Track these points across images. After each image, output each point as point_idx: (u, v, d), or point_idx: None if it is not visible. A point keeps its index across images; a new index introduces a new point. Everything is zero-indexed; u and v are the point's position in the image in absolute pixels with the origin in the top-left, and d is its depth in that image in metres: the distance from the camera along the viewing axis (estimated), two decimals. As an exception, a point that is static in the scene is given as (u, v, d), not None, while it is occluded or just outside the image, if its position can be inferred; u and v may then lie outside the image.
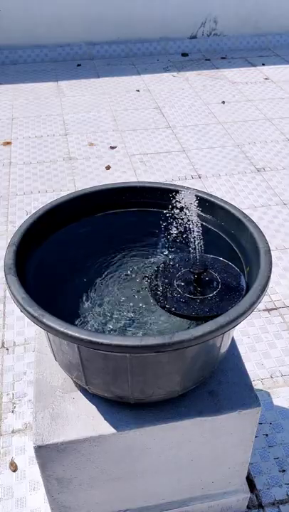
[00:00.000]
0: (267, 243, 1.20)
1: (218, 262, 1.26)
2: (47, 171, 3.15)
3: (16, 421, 1.77)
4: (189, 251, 1.22)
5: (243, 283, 1.19)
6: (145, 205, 1.41)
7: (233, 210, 1.31)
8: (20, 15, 4.55)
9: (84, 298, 1.24)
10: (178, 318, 1.16)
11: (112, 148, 3.40)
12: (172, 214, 1.22)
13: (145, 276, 1.29)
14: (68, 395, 1.24)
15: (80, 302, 1.23)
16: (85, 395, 1.24)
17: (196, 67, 4.69)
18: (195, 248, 1.18)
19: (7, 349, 2.02)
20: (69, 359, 1.13)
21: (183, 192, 1.18)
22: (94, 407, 1.21)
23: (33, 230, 1.26)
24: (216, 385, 1.26)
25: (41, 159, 3.27)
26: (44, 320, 1.00)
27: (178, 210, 1.18)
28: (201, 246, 1.18)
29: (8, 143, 3.46)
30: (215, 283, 1.20)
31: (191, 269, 1.19)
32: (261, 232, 1.23)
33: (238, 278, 1.20)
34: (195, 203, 1.16)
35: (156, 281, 1.24)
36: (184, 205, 1.16)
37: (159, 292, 1.20)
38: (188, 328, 1.13)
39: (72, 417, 1.19)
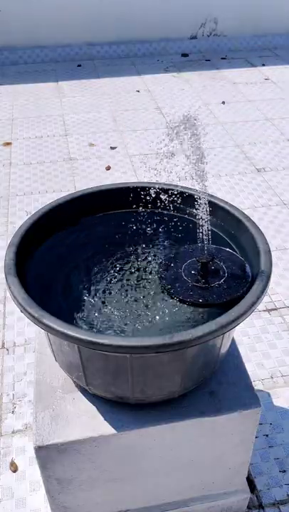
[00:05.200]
0: (267, 243, 1.20)
1: (222, 251, 1.28)
2: (47, 172, 3.15)
3: (16, 421, 1.77)
4: (194, 243, 1.23)
5: (249, 271, 1.20)
6: (145, 205, 1.41)
7: (233, 211, 1.31)
8: (21, 15, 4.55)
9: (84, 298, 1.24)
10: (180, 316, 1.16)
11: (112, 148, 3.40)
12: (173, 213, 1.22)
13: (148, 272, 1.30)
14: (68, 396, 1.24)
15: (80, 302, 1.23)
16: (85, 396, 1.24)
17: (197, 67, 4.69)
18: (202, 237, 1.19)
19: (7, 349, 2.02)
20: (69, 359, 1.13)
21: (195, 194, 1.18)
22: (94, 407, 1.21)
23: (33, 231, 1.26)
24: (216, 385, 1.26)
25: (41, 160, 3.27)
26: (44, 320, 1.00)
27: (179, 209, 1.18)
28: (208, 235, 1.18)
29: (9, 143, 3.46)
30: (221, 272, 1.21)
31: (198, 259, 1.20)
32: (261, 232, 1.24)
33: (243, 267, 1.22)
34: (204, 203, 1.16)
35: (162, 272, 1.25)
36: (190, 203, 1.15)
37: (165, 283, 1.21)
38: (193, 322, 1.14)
39: (73, 417, 1.19)
